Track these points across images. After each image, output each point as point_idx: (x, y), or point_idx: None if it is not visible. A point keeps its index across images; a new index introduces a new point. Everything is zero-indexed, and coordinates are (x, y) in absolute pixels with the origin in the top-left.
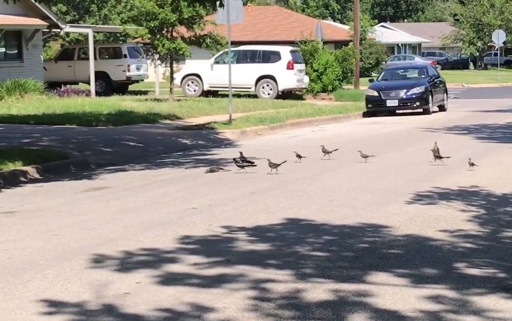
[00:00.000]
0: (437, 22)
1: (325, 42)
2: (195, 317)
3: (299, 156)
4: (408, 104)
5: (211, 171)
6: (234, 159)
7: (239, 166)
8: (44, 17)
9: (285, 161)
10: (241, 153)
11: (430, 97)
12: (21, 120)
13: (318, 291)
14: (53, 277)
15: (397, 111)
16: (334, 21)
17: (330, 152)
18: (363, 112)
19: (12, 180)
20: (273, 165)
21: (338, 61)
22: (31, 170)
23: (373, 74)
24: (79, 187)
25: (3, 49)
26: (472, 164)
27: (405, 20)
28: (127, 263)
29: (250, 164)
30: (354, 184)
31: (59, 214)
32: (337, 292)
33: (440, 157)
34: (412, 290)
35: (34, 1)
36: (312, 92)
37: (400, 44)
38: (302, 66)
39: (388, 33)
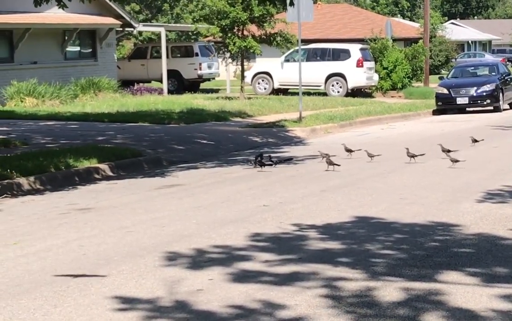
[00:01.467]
0: (507, 19)
1: (394, 40)
2: (267, 314)
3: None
4: (479, 101)
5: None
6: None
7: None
8: (118, 16)
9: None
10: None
11: (500, 94)
12: (95, 118)
13: (390, 289)
14: (128, 273)
15: (467, 109)
16: (403, 18)
17: (353, 151)
18: (432, 110)
19: (86, 177)
20: (331, 163)
21: (407, 58)
22: (105, 167)
23: (443, 72)
24: (152, 184)
25: (78, 48)
26: (455, 161)
27: (475, 17)
28: (200, 260)
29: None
30: (424, 182)
31: (133, 211)
32: (409, 291)
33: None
34: (483, 289)
35: (108, 1)
36: (381, 90)
37: (470, 42)
38: (371, 64)
39: (458, 30)
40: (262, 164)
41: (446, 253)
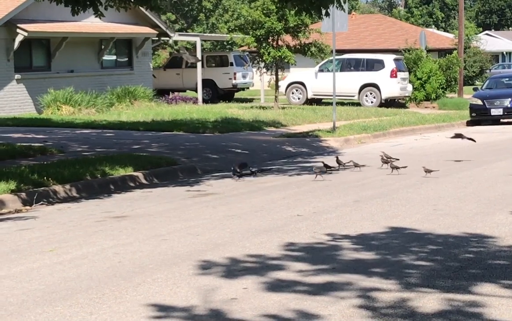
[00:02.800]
0: None
1: (428, 51)
2: None
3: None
4: None
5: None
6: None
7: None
8: (154, 26)
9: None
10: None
11: None
12: (131, 127)
13: (424, 300)
14: (162, 281)
15: (501, 120)
16: (438, 29)
17: (343, 163)
18: (466, 121)
19: (122, 185)
20: (318, 171)
21: (441, 69)
22: (140, 175)
23: (477, 83)
24: (187, 193)
25: (114, 57)
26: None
27: (510, 28)
28: (234, 269)
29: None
30: (458, 193)
31: (168, 219)
32: (443, 302)
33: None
34: None
35: (144, 10)
36: (415, 100)
37: (504, 52)
38: (405, 75)
39: (493, 41)
40: (240, 175)
41: (481, 264)
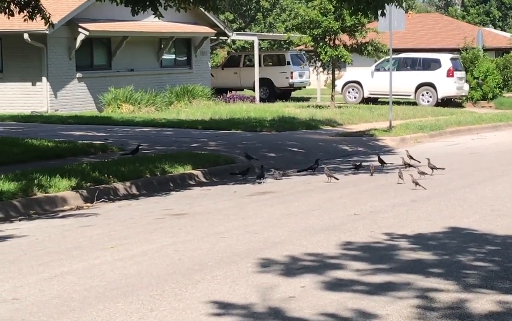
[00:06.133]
0: None
1: (485, 50)
2: None
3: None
4: None
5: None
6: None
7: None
8: (212, 25)
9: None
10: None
11: None
12: (189, 125)
13: (482, 301)
14: (221, 279)
15: None
16: (495, 28)
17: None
18: None
19: (180, 183)
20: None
21: (498, 68)
22: (199, 173)
23: None
24: (245, 191)
25: (173, 56)
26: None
27: None
28: (292, 267)
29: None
30: None
31: (227, 217)
32: (502, 304)
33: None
34: None
35: (203, 10)
36: (471, 100)
37: None
38: (462, 74)
39: None
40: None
41: None
